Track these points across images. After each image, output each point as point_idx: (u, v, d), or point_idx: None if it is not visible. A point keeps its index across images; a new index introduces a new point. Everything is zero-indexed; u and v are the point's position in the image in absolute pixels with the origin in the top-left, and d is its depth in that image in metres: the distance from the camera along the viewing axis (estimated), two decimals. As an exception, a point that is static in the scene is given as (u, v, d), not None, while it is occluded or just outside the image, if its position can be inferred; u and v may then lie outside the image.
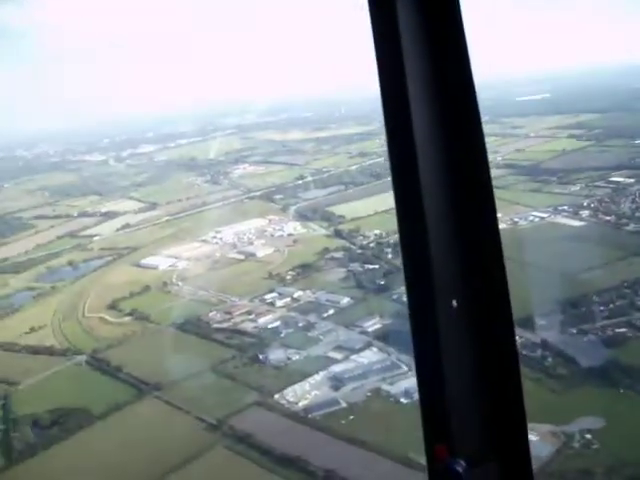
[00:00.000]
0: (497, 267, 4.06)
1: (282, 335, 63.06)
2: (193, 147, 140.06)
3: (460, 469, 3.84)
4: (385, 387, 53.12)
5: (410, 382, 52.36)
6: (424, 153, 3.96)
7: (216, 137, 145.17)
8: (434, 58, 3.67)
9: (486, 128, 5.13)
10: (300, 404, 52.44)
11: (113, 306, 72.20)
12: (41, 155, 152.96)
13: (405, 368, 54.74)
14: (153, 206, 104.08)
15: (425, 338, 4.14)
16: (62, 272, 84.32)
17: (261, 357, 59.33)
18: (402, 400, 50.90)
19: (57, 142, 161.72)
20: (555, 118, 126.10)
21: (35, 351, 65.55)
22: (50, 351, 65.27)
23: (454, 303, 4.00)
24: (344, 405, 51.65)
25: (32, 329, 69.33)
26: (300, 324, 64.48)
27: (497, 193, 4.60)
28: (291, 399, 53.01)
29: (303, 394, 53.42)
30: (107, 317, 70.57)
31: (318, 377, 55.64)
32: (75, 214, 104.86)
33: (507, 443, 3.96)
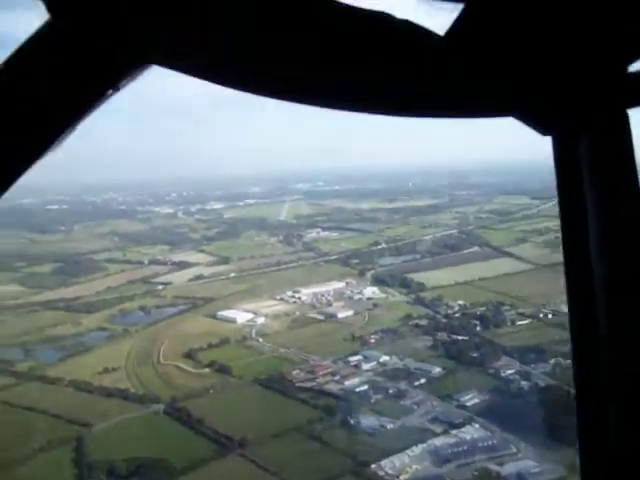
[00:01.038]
0: None
1: (372, 400, 57.42)
2: (262, 208, 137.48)
3: None
4: (494, 467, 47.04)
5: (522, 465, 46.52)
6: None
7: (285, 201, 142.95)
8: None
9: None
10: (401, 478, 46.40)
11: (190, 355, 67.32)
12: (110, 202, 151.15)
13: (514, 449, 48.67)
14: (225, 260, 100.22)
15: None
16: (134, 316, 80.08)
17: (352, 422, 53.62)
18: (514, 484, 44.90)
19: (125, 191, 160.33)
20: None
21: (109, 393, 60.62)
22: (124, 395, 60.23)
23: None
24: (449, 483, 45.62)
25: (106, 370, 64.60)
26: (390, 390, 58.91)
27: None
28: (390, 471, 47.16)
29: (403, 467, 47.54)
30: (184, 366, 65.60)
31: (417, 450, 49.73)
32: (146, 261, 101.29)
33: None
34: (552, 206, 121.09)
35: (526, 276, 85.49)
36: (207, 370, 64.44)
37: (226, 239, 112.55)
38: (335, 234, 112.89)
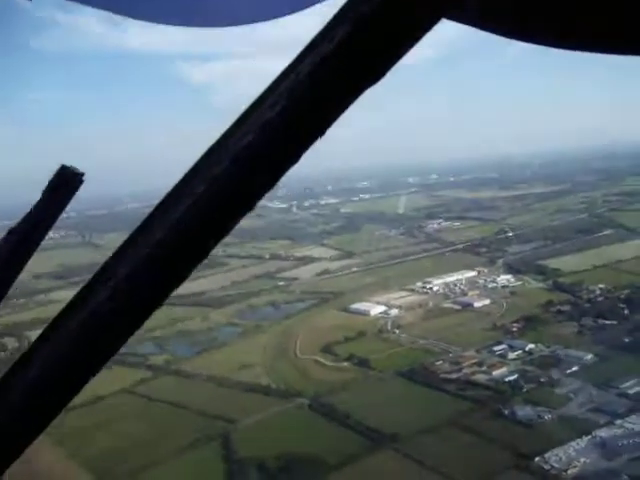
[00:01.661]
0: None
1: (524, 390, 54.04)
2: (378, 202, 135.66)
3: None
4: (672, 461, 43.08)
5: None
6: None
7: (400, 194, 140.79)
8: None
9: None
10: (570, 472, 43.01)
11: (327, 350, 65.44)
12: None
13: (692, 441, 44.61)
14: (349, 254, 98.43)
15: None
16: (264, 311, 78.92)
17: (506, 412, 50.40)
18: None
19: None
20: None
21: (250, 389, 59.15)
22: (266, 390, 58.66)
23: None
24: (626, 479, 41.84)
25: (243, 366, 63.34)
26: (542, 379, 55.44)
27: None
28: (556, 465, 43.72)
29: (570, 460, 44.06)
30: (322, 360, 63.64)
31: (582, 441, 46.17)
32: (267, 256, 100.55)
33: None
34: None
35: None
36: (346, 364, 62.38)
37: (346, 233, 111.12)
38: (457, 224, 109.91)
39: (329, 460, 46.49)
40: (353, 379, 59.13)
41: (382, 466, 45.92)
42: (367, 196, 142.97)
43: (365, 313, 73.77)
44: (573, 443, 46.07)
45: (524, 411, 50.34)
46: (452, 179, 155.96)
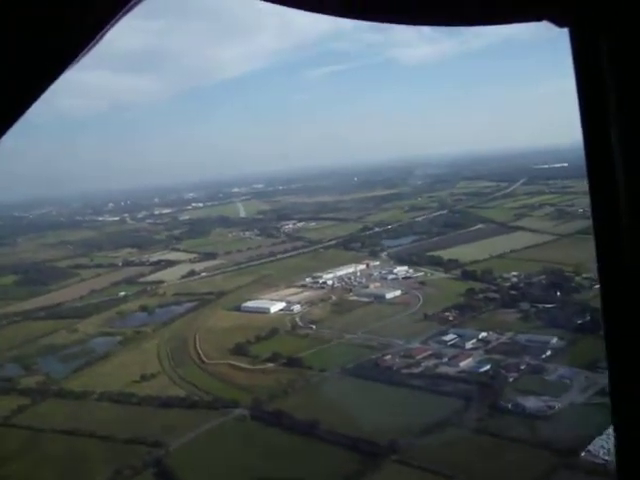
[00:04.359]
0: None
1: (510, 380, 43.23)
2: (214, 209, 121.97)
3: None
4: None
5: None
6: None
7: (234, 201, 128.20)
8: None
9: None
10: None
11: (239, 351, 51.60)
12: (44, 215, 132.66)
13: None
14: (211, 256, 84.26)
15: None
16: (137, 317, 63.90)
17: (510, 406, 39.30)
18: None
19: (54, 206, 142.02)
20: None
21: (164, 403, 44.24)
22: (186, 403, 44.02)
23: None
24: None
25: (143, 377, 48.06)
26: (522, 367, 44.91)
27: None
28: (608, 458, 33.08)
29: (623, 452, 33.52)
30: (238, 364, 49.69)
31: (617, 430, 35.82)
32: (120, 263, 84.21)
33: None
34: (521, 185, 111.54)
35: (557, 246, 73.57)
36: (271, 365, 48.93)
37: (195, 237, 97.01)
38: (313, 224, 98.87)
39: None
40: (291, 381, 45.67)
41: (397, 484, 33.28)
42: (200, 204, 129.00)
43: (263, 311, 60.38)
44: (609, 431, 35.94)
45: (530, 402, 39.54)
46: (281, 188, 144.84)
